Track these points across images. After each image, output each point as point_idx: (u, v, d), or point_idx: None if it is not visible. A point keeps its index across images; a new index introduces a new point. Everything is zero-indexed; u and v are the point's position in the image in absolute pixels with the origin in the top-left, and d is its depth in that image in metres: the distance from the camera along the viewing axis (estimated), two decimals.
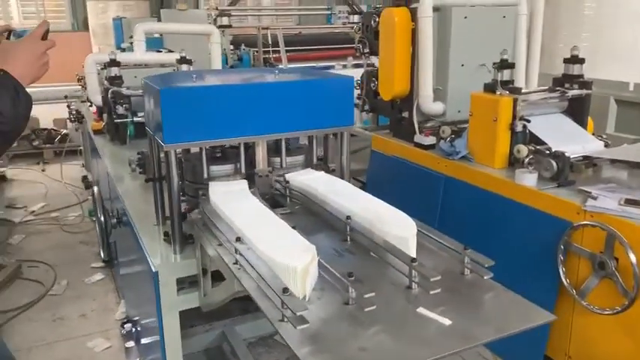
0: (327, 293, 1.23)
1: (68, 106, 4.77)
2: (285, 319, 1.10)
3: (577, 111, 2.73)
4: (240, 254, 1.33)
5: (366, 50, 3.43)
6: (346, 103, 1.84)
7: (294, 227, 1.42)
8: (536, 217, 2.26)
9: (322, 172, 1.89)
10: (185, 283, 1.85)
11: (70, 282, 3.64)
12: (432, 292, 1.17)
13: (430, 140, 2.95)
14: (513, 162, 2.50)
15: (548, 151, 2.38)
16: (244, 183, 1.78)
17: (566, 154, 2.31)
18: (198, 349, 2.59)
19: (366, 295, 1.12)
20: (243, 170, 1.84)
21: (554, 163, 2.31)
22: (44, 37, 1.45)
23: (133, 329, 2.56)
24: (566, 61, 2.73)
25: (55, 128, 6.99)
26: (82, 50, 5.85)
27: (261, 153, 1.85)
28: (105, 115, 3.43)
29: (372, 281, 1.29)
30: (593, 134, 2.73)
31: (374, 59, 3.46)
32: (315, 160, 1.96)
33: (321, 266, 1.26)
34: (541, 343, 2.17)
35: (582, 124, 2.73)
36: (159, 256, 1.79)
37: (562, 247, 2.10)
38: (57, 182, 5.67)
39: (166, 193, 1.80)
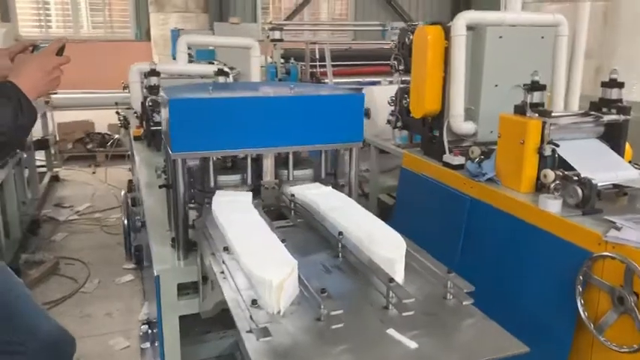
0: (302, 308, 1.22)
1: (117, 112, 4.98)
2: (252, 331, 1.10)
3: (614, 137, 2.61)
4: (225, 264, 1.35)
5: (401, 67, 3.42)
6: (355, 119, 1.84)
7: (283, 241, 1.42)
8: (557, 245, 2.17)
9: (329, 188, 1.89)
10: (190, 289, 1.89)
11: (101, 281, 3.79)
12: (404, 314, 1.14)
13: (459, 160, 2.90)
14: (540, 187, 2.42)
15: (576, 177, 2.29)
16: (249, 194, 1.80)
17: (593, 182, 2.21)
18: (211, 355, 2.62)
19: (333, 313, 1.11)
20: (249, 181, 1.87)
21: (580, 190, 2.22)
22: (59, 53, 1.50)
23: (149, 331, 2.62)
24: (603, 84, 2.62)
25: (108, 133, 7.31)
26: (144, 59, 6.11)
27: (269, 165, 1.87)
28: (144, 122, 3.57)
29: (350, 299, 1.28)
30: (631, 162, 2.61)
31: None
32: (323, 174, 1.97)
33: (300, 281, 1.26)
34: None
35: (619, 150, 2.61)
36: (163, 261, 1.84)
37: (581, 278, 2.01)
38: (104, 184, 5.93)
39: None
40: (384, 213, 4.31)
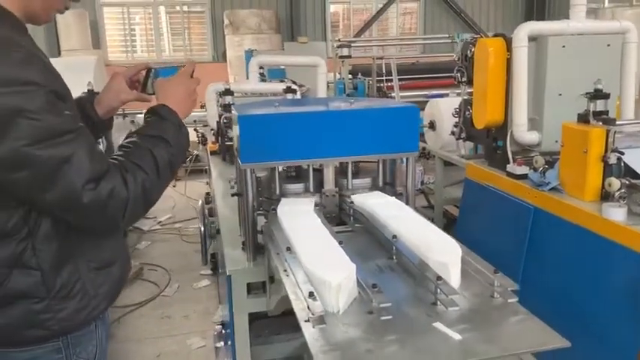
0: (356, 303, 1.34)
1: (196, 130, 5.33)
2: (309, 320, 1.23)
3: None
4: (287, 262, 1.49)
5: (464, 79, 3.48)
6: (411, 130, 1.94)
7: (341, 243, 1.54)
8: (621, 253, 2.15)
9: (393, 198, 1.98)
10: (260, 290, 2.05)
11: (180, 285, 4.07)
12: (450, 309, 1.23)
13: (522, 170, 2.91)
14: (605, 195, 2.40)
15: None
16: (311, 201, 1.94)
17: None
18: (280, 356, 2.76)
19: (383, 305, 1.21)
20: (311, 189, 2.01)
21: None
22: (191, 76, 1.57)
23: (223, 331, 2.81)
24: None
25: (189, 150, 7.76)
26: (220, 80, 6.42)
27: (330, 174, 2.01)
28: (219, 138, 3.82)
29: (400, 296, 1.38)
30: None
31: None
32: (381, 183, 2.08)
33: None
34: None
35: None
36: (234, 263, 2.01)
37: None
38: (184, 197, 6.31)
39: None
40: (450, 224, 4.33)
